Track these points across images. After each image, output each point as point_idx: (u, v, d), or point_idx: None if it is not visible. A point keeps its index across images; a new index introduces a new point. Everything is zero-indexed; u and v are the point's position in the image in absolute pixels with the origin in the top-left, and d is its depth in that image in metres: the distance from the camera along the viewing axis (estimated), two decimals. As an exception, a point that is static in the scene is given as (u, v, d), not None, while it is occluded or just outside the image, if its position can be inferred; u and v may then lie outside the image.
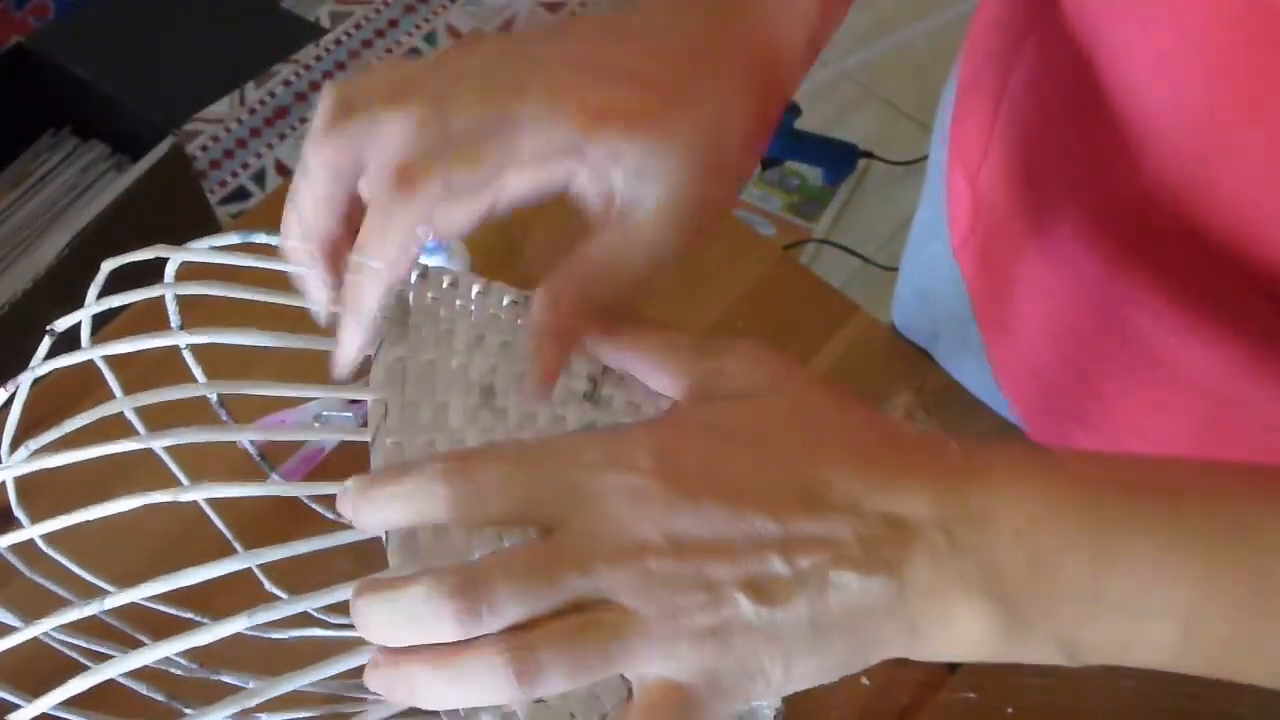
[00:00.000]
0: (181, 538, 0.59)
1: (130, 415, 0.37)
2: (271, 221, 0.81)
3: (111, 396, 0.36)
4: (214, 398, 0.39)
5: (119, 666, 0.28)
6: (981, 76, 0.59)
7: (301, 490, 0.34)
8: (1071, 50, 0.48)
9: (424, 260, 0.66)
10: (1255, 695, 0.61)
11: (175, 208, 1.50)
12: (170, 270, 0.38)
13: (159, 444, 0.33)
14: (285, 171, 1.71)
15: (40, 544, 0.35)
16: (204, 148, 1.73)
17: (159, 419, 0.37)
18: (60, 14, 1.82)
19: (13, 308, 1.34)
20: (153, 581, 0.29)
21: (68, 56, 1.53)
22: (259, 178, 1.71)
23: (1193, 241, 0.46)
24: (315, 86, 1.77)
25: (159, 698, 0.40)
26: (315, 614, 0.47)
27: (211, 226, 1.54)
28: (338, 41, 1.81)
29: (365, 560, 0.34)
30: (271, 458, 0.69)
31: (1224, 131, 0.43)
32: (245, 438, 0.35)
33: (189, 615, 0.40)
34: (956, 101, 0.63)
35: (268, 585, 0.42)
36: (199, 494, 0.32)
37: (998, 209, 0.59)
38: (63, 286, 1.36)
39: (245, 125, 1.74)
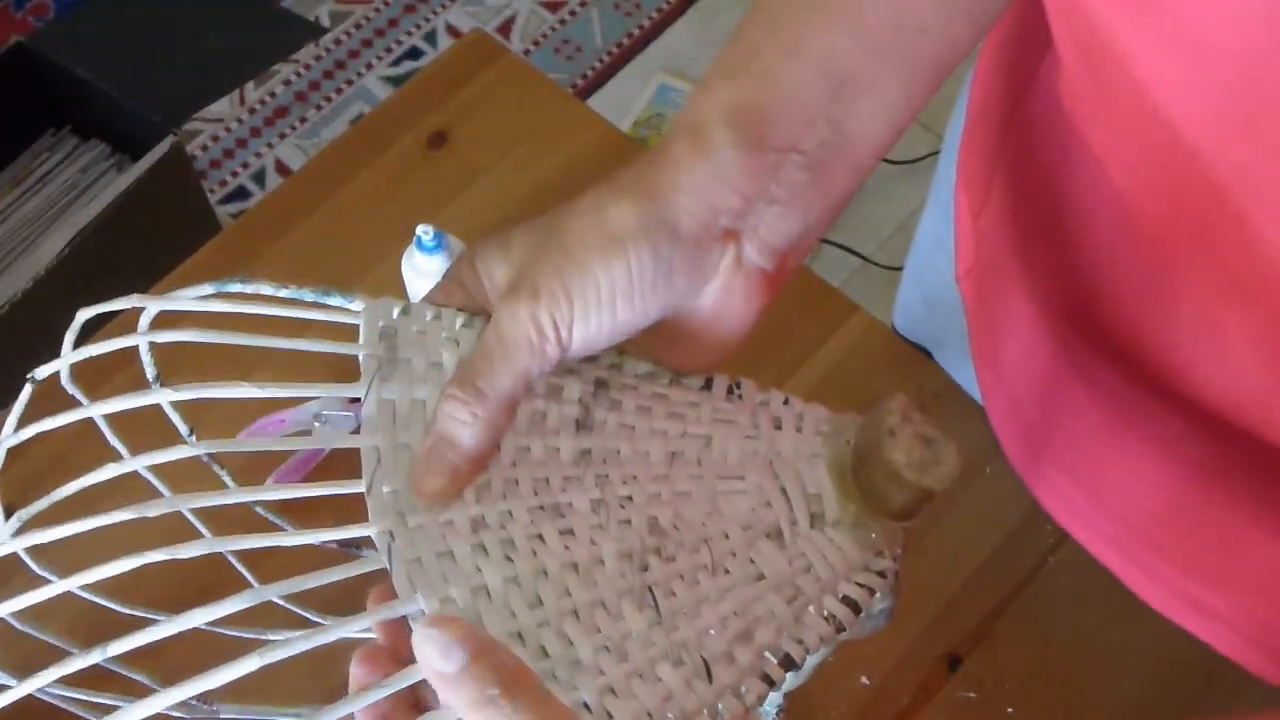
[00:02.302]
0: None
1: (143, 471, 0.36)
2: (269, 223, 0.81)
3: (97, 448, 0.36)
4: (206, 457, 0.38)
5: (129, 716, 0.27)
6: (989, 105, 0.58)
7: (307, 539, 0.34)
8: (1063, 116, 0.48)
9: (425, 259, 0.67)
10: (1255, 698, 0.61)
11: (175, 208, 1.50)
12: (145, 320, 0.37)
13: (156, 512, 0.32)
14: (285, 171, 1.71)
15: (30, 563, 0.35)
16: (204, 147, 1.72)
17: (141, 445, 0.36)
18: (60, 14, 1.82)
19: (13, 308, 1.34)
20: (158, 625, 0.29)
21: (68, 56, 1.53)
22: (259, 177, 1.71)
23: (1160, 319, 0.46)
24: (315, 86, 1.77)
25: None
26: (315, 618, 0.47)
27: (211, 226, 1.54)
28: (338, 41, 1.81)
29: (368, 576, 0.34)
30: (270, 458, 0.69)
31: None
32: (246, 499, 0.35)
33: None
34: (966, 125, 0.62)
35: (280, 602, 0.42)
36: (205, 549, 0.31)
37: (995, 251, 0.58)
38: (63, 286, 1.36)
39: (245, 125, 1.74)
